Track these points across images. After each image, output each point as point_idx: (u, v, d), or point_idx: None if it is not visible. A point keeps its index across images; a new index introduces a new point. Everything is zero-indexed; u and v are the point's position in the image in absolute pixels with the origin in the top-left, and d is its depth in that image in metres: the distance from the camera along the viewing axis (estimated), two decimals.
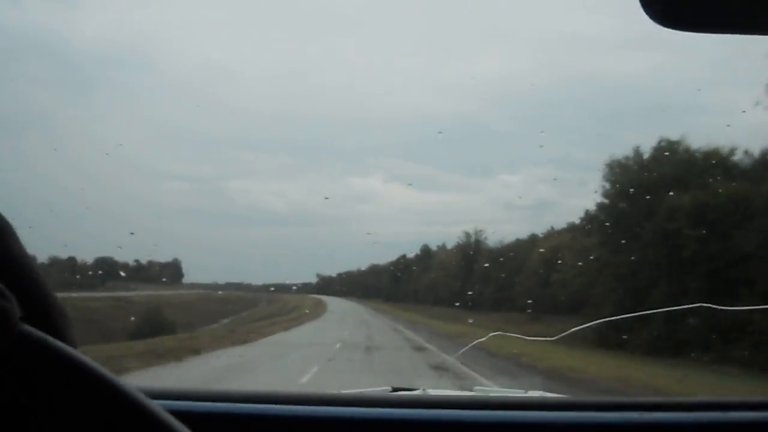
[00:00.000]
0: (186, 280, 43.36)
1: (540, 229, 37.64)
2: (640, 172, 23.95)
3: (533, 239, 36.87)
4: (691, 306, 16.58)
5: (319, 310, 40.99)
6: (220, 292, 41.86)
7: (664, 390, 12.38)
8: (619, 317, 21.86)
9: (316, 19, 56.70)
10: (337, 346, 19.32)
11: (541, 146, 35.99)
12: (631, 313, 21.99)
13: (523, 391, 2.45)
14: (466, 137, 44.07)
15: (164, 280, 43.82)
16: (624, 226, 23.31)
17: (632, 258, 22.59)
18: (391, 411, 1.55)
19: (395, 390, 2.31)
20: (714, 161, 22.87)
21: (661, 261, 21.72)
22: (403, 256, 46.53)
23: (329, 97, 51.42)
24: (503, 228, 42.67)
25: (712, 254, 20.32)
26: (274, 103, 51.91)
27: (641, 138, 25.40)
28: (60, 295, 0.66)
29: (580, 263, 26.75)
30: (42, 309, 0.63)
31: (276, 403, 1.55)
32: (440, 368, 14.77)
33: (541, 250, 32.73)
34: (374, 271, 53.88)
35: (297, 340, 22.39)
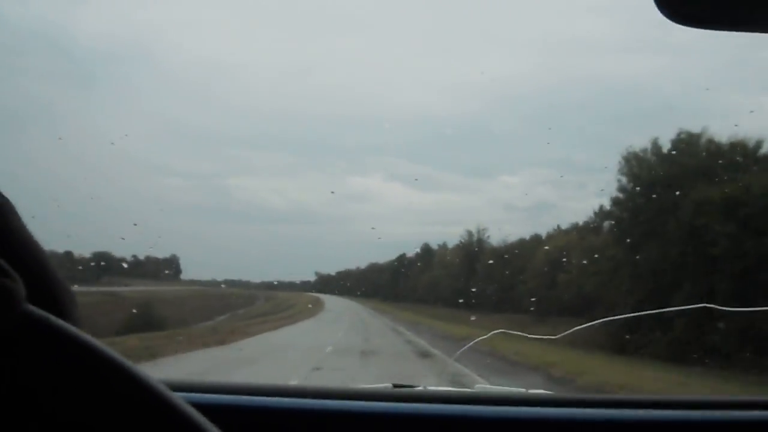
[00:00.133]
0: (184, 276, 42.69)
1: (539, 231, 36.65)
2: (660, 165, 21.63)
3: (537, 239, 35.22)
4: (693, 306, 14.28)
5: (315, 308, 39.47)
6: (222, 287, 41.22)
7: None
8: (619, 317, 20.19)
9: (318, 17, 55.38)
10: (328, 349, 16.72)
11: (548, 143, 34.37)
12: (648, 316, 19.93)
13: (524, 390, 2.20)
14: (467, 138, 43.61)
15: (167, 272, 43.08)
16: (643, 222, 20.99)
17: (652, 256, 20.30)
18: (396, 405, 1.54)
19: (396, 387, 2.05)
20: (741, 153, 20.61)
21: (686, 260, 19.40)
22: (404, 255, 45.40)
23: (330, 95, 50.73)
24: (503, 229, 41.55)
25: (744, 252, 18.02)
26: (275, 100, 51.09)
27: (643, 141, 23.36)
28: None
29: (590, 263, 24.83)
30: (46, 288, 0.60)
31: (286, 396, 1.54)
32: (457, 383, 12.05)
33: (546, 247, 31.49)
34: (374, 269, 53.11)
35: (282, 341, 19.72)
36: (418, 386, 2.24)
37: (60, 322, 0.56)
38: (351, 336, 22.12)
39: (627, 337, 20.81)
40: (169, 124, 44.86)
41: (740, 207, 18.30)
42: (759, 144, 20.90)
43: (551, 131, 44.04)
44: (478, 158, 47.19)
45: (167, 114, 46.03)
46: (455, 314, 27.54)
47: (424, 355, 17.16)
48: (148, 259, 41.35)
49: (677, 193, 19.97)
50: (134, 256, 41.24)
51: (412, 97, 48.71)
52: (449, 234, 47.01)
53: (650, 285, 20.36)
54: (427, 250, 44.00)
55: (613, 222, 23.65)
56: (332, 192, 53.10)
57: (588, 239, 28.05)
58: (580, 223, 30.02)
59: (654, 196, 20.86)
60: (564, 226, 32.35)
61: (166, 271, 42.27)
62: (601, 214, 24.33)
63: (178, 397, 0.57)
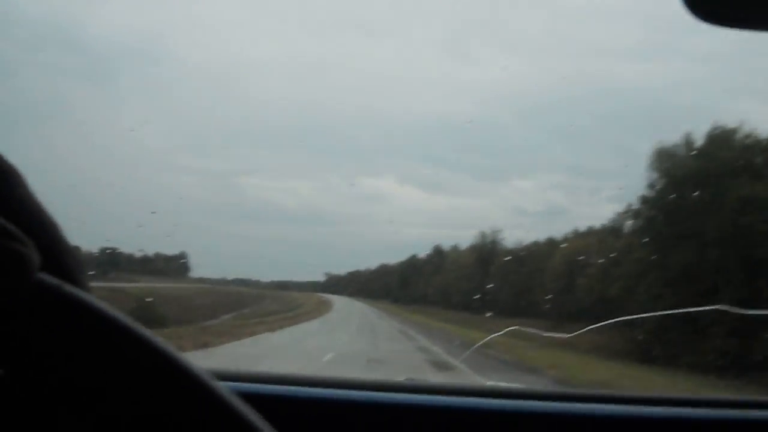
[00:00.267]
0: (193, 274, 42.15)
1: (550, 236, 35.20)
2: (695, 161, 19.44)
3: (552, 242, 33.70)
4: (709, 308, 14.93)
5: (322, 308, 37.65)
6: (231, 286, 40.63)
7: None
8: (633, 317, 18.78)
9: (334, 20, 54.27)
10: (327, 357, 14.08)
11: (560, 148, 33.40)
12: (687, 325, 17.84)
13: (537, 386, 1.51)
14: (480, 142, 42.67)
15: (183, 261, 42.17)
16: (677, 222, 18.78)
17: (687, 259, 18.12)
18: (412, 396, 1.55)
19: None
20: None
21: (726, 263, 17.18)
22: (415, 256, 44.89)
23: (345, 97, 49.63)
24: (513, 233, 40.67)
25: None
26: (289, 101, 50.12)
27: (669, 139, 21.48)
28: None
29: (614, 266, 22.90)
30: (56, 256, 0.58)
31: (302, 386, 1.55)
32: None
33: (564, 245, 29.93)
34: (384, 271, 52.14)
35: (276, 345, 17.24)
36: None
37: (73, 289, 0.54)
38: (356, 341, 19.61)
39: (654, 346, 18.85)
40: (183, 121, 44.08)
41: None
42: None
43: (564, 136, 42.65)
44: (490, 162, 45.90)
45: (182, 111, 45.30)
46: (469, 318, 25.89)
47: (443, 366, 14.50)
48: (157, 255, 40.67)
49: (710, 189, 17.84)
50: (143, 252, 40.40)
51: (426, 100, 47.69)
52: (459, 237, 46.44)
53: (683, 290, 18.19)
54: (438, 251, 42.81)
55: (640, 222, 21.45)
56: (352, 184, 52.02)
57: (608, 242, 26.36)
58: (597, 226, 28.95)
59: (689, 193, 18.66)
60: (576, 230, 31.36)
61: (183, 261, 42.00)
62: (628, 213, 22.07)
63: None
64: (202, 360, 13.73)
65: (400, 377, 1.84)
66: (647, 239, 20.59)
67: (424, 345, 19.86)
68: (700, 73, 34.96)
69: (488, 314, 23.80)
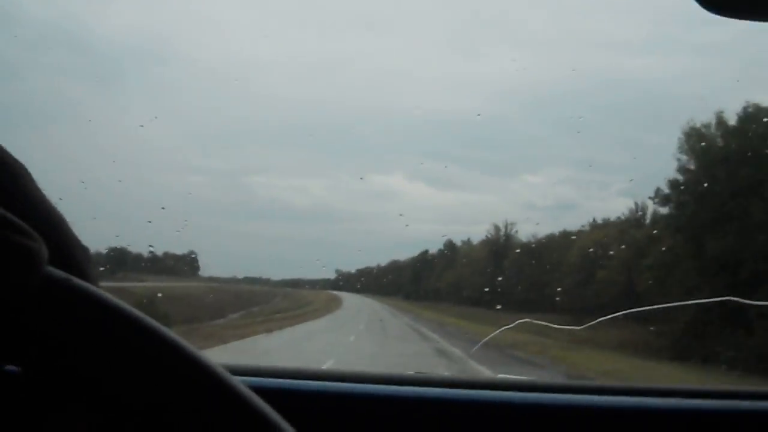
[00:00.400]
0: (203, 273, 41.12)
1: (561, 231, 34.10)
2: (731, 139, 17.45)
3: (566, 235, 32.24)
4: (716, 300, 13.95)
5: (331, 306, 36.65)
6: (242, 285, 39.66)
7: None
8: (644, 308, 17.23)
9: (340, 18, 53.17)
10: (329, 363, 11.89)
11: (571, 143, 32.11)
12: (724, 321, 15.92)
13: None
14: (490, 136, 41.51)
15: (193, 257, 41.03)
16: (714, 206, 16.80)
17: (727, 246, 16.15)
18: (422, 390, 1.52)
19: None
20: None
21: None
22: (426, 252, 42.68)
23: (352, 94, 48.62)
24: (524, 228, 39.60)
25: None
26: (296, 99, 48.83)
27: (666, 142, 19.84)
28: None
29: (641, 257, 21.16)
30: (64, 249, 0.57)
31: (314, 379, 1.55)
32: None
33: (583, 233, 28.84)
34: (394, 267, 50.91)
35: (271, 348, 15.14)
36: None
37: (82, 282, 0.53)
38: (364, 341, 17.51)
39: (692, 343, 16.98)
40: (191, 120, 43.25)
41: None
42: None
43: (573, 130, 41.43)
44: (499, 157, 44.87)
45: (190, 111, 44.39)
46: (484, 314, 24.24)
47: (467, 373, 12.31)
48: (166, 255, 39.48)
49: (755, 170, 15.84)
50: (151, 252, 39.26)
51: (433, 96, 46.46)
52: (469, 233, 45.59)
53: (724, 280, 16.22)
54: (450, 246, 41.57)
55: (670, 208, 19.49)
56: (361, 178, 51.05)
57: (629, 233, 24.92)
58: (612, 218, 27.57)
59: (726, 176, 16.66)
60: (588, 225, 29.93)
61: (193, 256, 40.83)
62: (660, 197, 20.02)
63: (201, 353, 0.55)
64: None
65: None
66: (678, 226, 18.62)
67: (442, 347, 17.48)
68: (709, 65, 33.20)
69: (498, 306, 22.38)
